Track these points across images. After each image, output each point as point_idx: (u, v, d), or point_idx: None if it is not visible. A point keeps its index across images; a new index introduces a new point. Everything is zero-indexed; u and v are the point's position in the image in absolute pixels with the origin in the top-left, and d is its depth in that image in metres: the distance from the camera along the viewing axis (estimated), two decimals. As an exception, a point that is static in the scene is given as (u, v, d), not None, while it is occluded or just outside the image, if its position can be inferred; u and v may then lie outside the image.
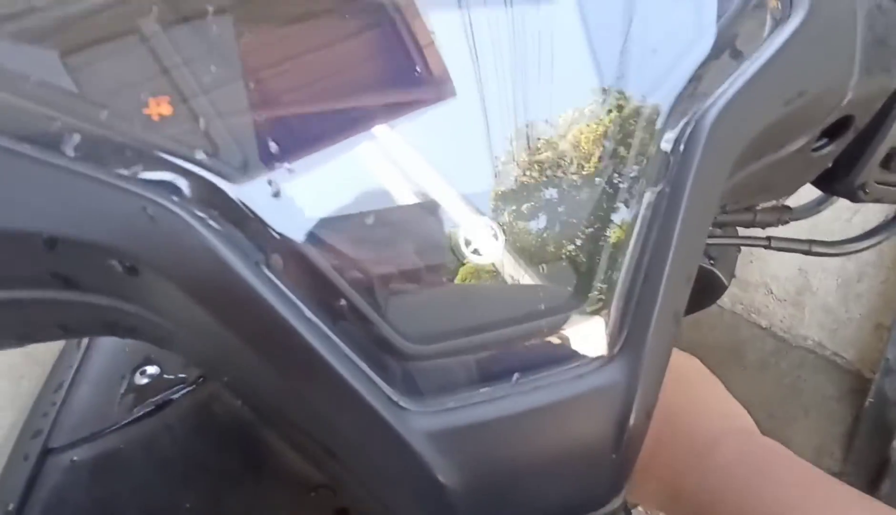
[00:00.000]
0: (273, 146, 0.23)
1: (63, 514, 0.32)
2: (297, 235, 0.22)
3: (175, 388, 0.38)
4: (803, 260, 1.41)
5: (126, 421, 0.37)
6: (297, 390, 0.22)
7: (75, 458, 0.34)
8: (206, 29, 0.22)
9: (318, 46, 0.25)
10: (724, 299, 1.59)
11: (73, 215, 0.19)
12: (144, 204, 0.19)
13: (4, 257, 0.20)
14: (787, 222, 0.45)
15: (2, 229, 0.19)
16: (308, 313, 0.21)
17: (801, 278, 1.45)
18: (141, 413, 0.37)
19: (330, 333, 0.22)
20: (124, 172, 0.20)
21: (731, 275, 0.54)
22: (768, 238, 0.45)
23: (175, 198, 0.20)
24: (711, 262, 0.52)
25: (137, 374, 0.40)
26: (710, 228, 0.37)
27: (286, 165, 0.23)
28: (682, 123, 0.27)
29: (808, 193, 0.44)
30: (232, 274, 0.20)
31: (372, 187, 0.24)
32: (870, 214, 1.11)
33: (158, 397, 0.37)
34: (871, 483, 1.30)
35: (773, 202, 0.45)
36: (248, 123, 0.23)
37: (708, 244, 0.48)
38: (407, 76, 0.26)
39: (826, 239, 0.45)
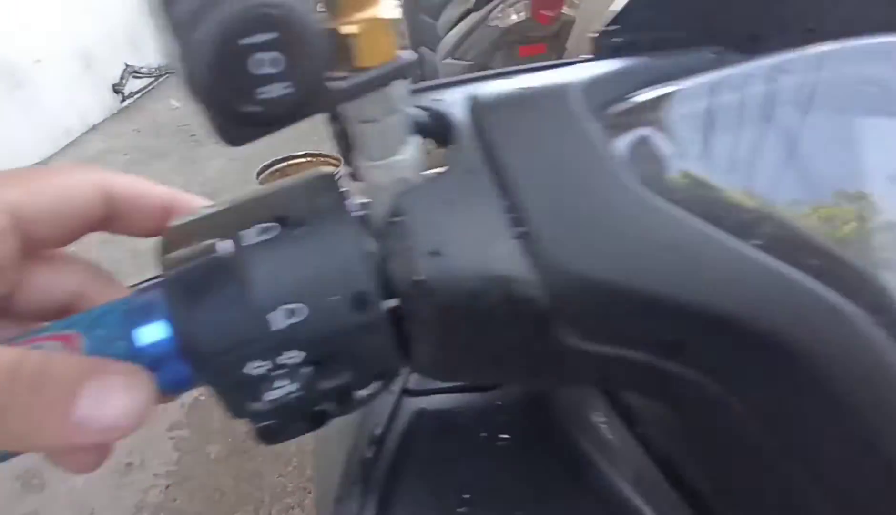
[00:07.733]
0: None
1: (411, 453, 0.37)
2: None
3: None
4: None
5: (465, 386, 0.40)
6: None
7: (424, 406, 0.39)
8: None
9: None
10: None
11: (749, 299, 0.20)
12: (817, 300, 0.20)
13: (641, 321, 0.21)
14: None
15: (676, 298, 0.20)
16: None
17: None
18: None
19: None
20: (802, 267, 0.21)
21: None
22: None
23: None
24: None
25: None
26: None
27: None
28: None
29: None
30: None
31: None
32: None
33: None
34: None
35: None
36: None
37: None
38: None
39: None
